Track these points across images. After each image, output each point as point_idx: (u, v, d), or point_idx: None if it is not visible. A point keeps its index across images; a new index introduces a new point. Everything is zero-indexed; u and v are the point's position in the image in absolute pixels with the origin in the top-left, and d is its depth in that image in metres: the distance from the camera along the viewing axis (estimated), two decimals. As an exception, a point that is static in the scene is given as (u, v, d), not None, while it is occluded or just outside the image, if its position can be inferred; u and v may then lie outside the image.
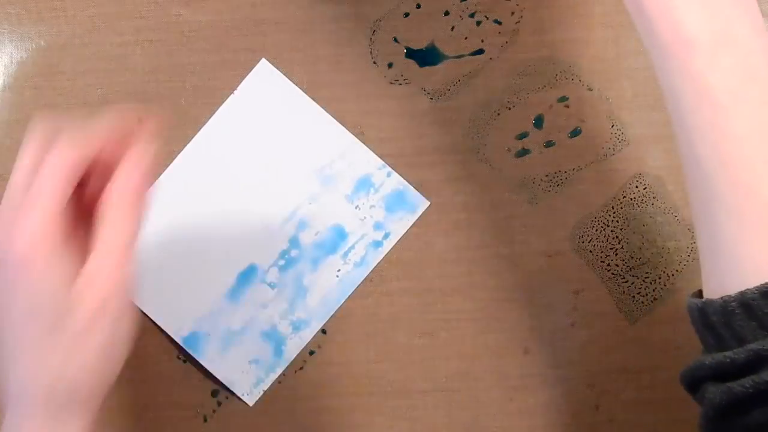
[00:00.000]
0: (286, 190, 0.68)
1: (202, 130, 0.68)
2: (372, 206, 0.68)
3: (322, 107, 0.69)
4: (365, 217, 0.68)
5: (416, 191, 0.68)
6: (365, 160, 0.68)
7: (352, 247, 0.68)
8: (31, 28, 0.69)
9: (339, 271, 0.69)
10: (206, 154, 0.68)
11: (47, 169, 0.51)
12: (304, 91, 0.68)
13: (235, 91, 0.68)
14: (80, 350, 0.52)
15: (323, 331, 0.69)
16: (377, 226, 0.68)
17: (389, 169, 0.68)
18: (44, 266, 0.51)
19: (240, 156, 0.69)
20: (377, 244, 0.68)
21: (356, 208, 0.68)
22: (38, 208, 0.50)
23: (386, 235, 0.68)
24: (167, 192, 0.68)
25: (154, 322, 0.68)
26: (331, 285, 0.68)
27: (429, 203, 0.68)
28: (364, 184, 0.69)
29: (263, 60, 0.68)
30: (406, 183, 0.68)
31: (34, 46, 0.69)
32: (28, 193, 0.51)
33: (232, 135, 0.69)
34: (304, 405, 0.69)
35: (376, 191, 0.69)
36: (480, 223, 0.69)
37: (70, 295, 0.51)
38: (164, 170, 0.68)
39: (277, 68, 0.68)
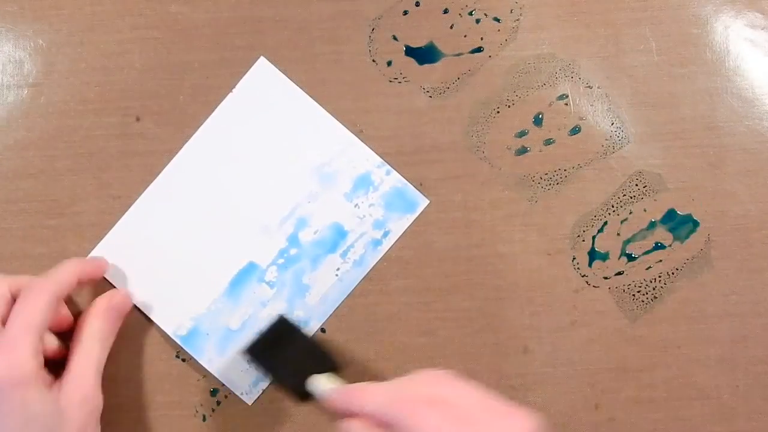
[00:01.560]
0: (285, 189, 0.68)
1: (200, 128, 0.68)
2: (371, 204, 0.68)
3: (321, 105, 0.68)
4: (364, 216, 0.68)
5: (416, 189, 0.68)
6: (364, 158, 0.68)
7: (352, 245, 0.68)
8: (29, 26, 0.68)
9: (338, 269, 0.68)
10: (205, 152, 0.68)
11: (32, 298, 0.59)
12: (302, 89, 0.68)
13: (233, 89, 0.68)
14: None
15: (322, 330, 0.68)
16: (376, 225, 0.68)
17: (388, 167, 0.68)
18: (35, 384, 0.58)
19: (239, 154, 0.68)
20: (377, 242, 0.68)
21: (355, 206, 0.68)
22: (27, 332, 0.58)
23: (385, 234, 0.68)
24: (166, 190, 0.68)
25: (152, 322, 0.68)
26: (330, 284, 0.68)
27: (428, 202, 0.68)
28: (364, 183, 0.68)
29: (262, 58, 0.68)
30: (406, 181, 0.68)
31: (32, 44, 0.68)
32: (14, 320, 0.59)
33: (231, 133, 0.68)
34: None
35: (376, 189, 0.68)
36: (479, 222, 0.69)
37: (60, 404, 0.60)
38: (163, 168, 0.68)
39: (275, 66, 0.68)
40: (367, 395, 0.55)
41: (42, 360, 0.59)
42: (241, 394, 0.68)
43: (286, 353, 0.64)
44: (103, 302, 0.65)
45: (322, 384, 0.60)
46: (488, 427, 0.51)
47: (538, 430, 0.51)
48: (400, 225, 0.68)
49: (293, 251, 0.68)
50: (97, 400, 0.62)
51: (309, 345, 0.65)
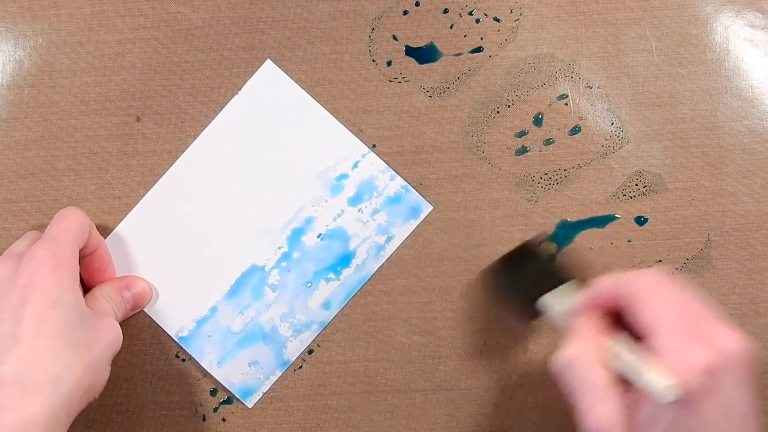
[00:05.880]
0: (290, 192, 0.68)
1: (205, 130, 0.68)
2: (375, 210, 0.68)
3: (321, 105, 0.68)
4: (368, 221, 0.68)
5: (419, 195, 0.68)
6: (369, 164, 0.68)
7: (354, 250, 0.68)
8: (29, 26, 0.68)
9: (341, 274, 0.68)
10: (209, 154, 0.68)
11: (64, 214, 0.63)
12: (304, 90, 0.68)
13: (239, 92, 0.68)
14: (92, 352, 0.60)
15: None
16: (380, 230, 0.68)
17: (393, 172, 0.68)
18: (71, 265, 0.61)
19: (243, 157, 0.68)
20: (380, 248, 0.68)
21: (359, 211, 0.68)
22: (67, 232, 0.62)
23: (389, 239, 0.68)
24: (169, 191, 0.68)
25: (153, 322, 0.68)
26: (332, 288, 0.68)
27: (432, 207, 0.68)
28: (368, 188, 0.68)
29: (268, 61, 0.68)
30: (410, 187, 0.68)
31: (32, 44, 0.68)
32: (52, 226, 0.63)
33: (236, 135, 0.68)
34: (302, 404, 0.69)
35: (380, 195, 0.68)
36: (479, 222, 0.69)
37: (89, 316, 0.61)
38: (164, 168, 0.68)
39: (278, 67, 0.68)
40: (597, 282, 0.56)
41: (78, 270, 0.62)
42: (242, 397, 0.68)
43: (522, 276, 0.65)
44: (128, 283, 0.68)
45: (553, 301, 0.62)
46: (708, 328, 0.51)
47: (750, 355, 0.52)
48: (403, 230, 0.68)
49: (296, 255, 0.68)
50: (119, 333, 0.63)
51: (546, 267, 0.66)
